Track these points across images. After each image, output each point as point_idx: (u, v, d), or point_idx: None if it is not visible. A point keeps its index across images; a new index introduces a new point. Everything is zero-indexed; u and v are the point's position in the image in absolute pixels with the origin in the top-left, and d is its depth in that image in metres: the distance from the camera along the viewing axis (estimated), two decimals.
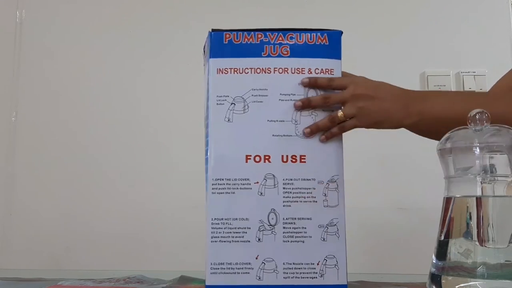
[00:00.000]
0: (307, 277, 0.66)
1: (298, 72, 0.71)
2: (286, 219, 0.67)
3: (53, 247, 1.56)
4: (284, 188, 0.68)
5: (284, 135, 0.69)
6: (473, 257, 0.54)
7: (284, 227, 0.67)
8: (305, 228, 0.67)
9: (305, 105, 0.69)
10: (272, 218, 0.67)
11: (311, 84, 0.70)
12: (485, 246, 0.54)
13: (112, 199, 1.58)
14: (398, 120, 0.73)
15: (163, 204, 1.56)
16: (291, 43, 0.71)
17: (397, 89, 0.73)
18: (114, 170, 1.60)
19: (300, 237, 0.67)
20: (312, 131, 0.69)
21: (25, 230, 1.58)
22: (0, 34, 1.69)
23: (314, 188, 0.68)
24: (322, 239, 0.67)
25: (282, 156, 0.69)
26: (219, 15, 1.64)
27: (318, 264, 0.67)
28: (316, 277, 0.66)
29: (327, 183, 0.69)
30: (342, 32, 0.73)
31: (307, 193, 0.68)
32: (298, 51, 0.71)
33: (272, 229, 0.67)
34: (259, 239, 0.67)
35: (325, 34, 0.72)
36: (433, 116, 0.72)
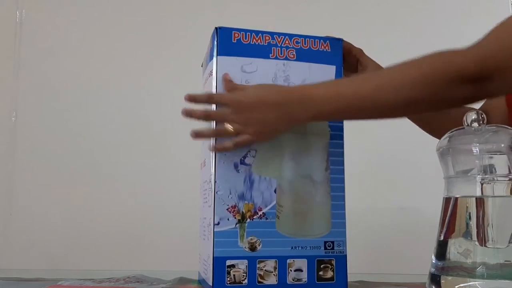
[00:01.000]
0: None
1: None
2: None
3: (53, 247, 1.56)
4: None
5: None
6: (473, 257, 0.54)
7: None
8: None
9: (187, 115, 0.68)
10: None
11: (191, 100, 0.69)
12: (484, 246, 0.54)
13: (112, 199, 1.58)
14: (284, 127, 0.70)
15: (163, 204, 1.56)
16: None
17: (280, 96, 0.68)
18: (114, 170, 1.60)
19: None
20: (196, 136, 0.69)
21: (25, 230, 1.58)
22: (0, 34, 1.69)
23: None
24: None
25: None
26: (219, 15, 1.64)
27: None
28: None
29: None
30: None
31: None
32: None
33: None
34: None
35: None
36: (324, 116, 0.70)
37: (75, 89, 1.64)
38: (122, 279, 0.79)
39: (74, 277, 0.81)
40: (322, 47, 0.74)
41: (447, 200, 0.58)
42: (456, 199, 0.57)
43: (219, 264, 0.66)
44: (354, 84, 0.70)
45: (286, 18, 1.61)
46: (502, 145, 0.55)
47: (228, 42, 0.71)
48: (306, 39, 0.74)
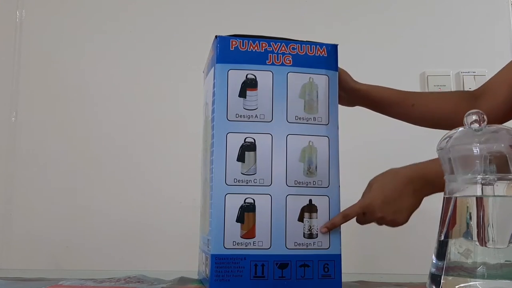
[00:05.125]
0: None
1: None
2: None
3: (53, 247, 1.56)
4: None
5: None
6: (473, 257, 0.54)
7: None
8: None
9: (331, 228, 0.72)
10: None
11: (331, 227, 0.72)
12: (485, 246, 0.54)
13: (113, 199, 1.58)
14: (419, 203, 0.81)
15: (164, 204, 1.56)
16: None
17: (401, 186, 0.79)
18: (114, 170, 1.60)
19: None
20: (328, 229, 0.71)
21: (25, 230, 1.58)
22: (0, 34, 1.69)
23: None
24: None
25: None
26: (220, 16, 1.65)
27: None
28: None
29: None
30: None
31: None
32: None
33: None
34: None
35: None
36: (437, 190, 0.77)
37: (75, 89, 1.65)
38: (123, 279, 0.79)
39: (75, 277, 0.81)
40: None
41: (447, 200, 0.59)
42: (456, 199, 0.57)
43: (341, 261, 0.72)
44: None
45: (289, 23, 1.61)
46: (503, 145, 0.55)
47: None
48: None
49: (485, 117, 0.57)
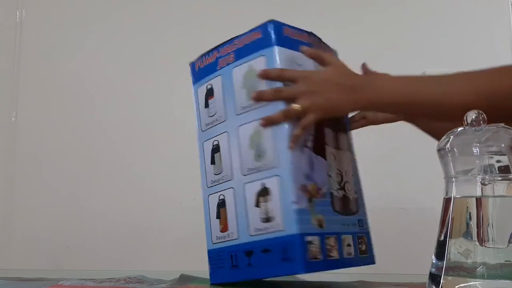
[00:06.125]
0: None
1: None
2: None
3: (53, 247, 1.56)
4: None
5: None
6: (473, 257, 0.54)
7: None
8: None
9: (258, 99, 0.71)
10: None
11: (264, 76, 0.71)
12: (485, 246, 0.54)
13: (112, 199, 1.58)
14: (347, 109, 0.76)
15: (164, 204, 1.56)
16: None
17: (346, 79, 0.74)
18: (114, 170, 1.60)
19: None
20: (266, 123, 0.70)
21: (25, 230, 1.58)
22: (0, 34, 1.69)
23: None
24: None
25: None
26: (220, 16, 1.65)
27: None
28: None
29: None
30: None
31: None
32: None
33: None
34: None
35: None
36: (383, 102, 0.74)
37: (75, 89, 1.65)
38: (123, 279, 0.79)
39: (75, 277, 0.81)
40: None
41: (447, 200, 0.59)
42: (456, 199, 0.58)
43: (301, 240, 0.66)
44: (421, 83, 0.75)
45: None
46: (502, 145, 0.55)
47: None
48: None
49: (485, 117, 0.57)
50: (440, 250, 0.58)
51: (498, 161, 0.55)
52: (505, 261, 0.53)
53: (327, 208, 0.71)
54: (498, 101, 0.69)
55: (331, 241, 0.69)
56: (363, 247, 0.75)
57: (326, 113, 0.72)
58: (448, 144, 0.59)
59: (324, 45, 0.80)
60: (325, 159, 0.73)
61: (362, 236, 0.76)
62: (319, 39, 0.79)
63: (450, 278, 0.55)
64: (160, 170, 1.58)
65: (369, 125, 0.89)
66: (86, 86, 1.65)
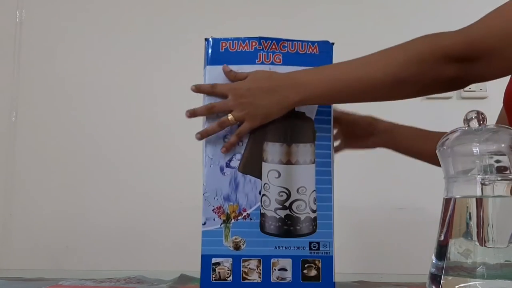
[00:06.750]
0: None
1: None
2: None
3: (53, 247, 1.56)
4: None
5: None
6: (473, 257, 0.54)
7: None
8: None
9: (191, 115, 0.72)
10: None
11: (196, 90, 0.73)
12: (485, 246, 0.54)
13: (113, 199, 1.58)
14: (276, 111, 0.72)
15: (163, 204, 1.56)
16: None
17: (266, 81, 0.72)
18: (114, 170, 1.60)
19: None
20: (202, 136, 0.72)
21: (25, 230, 1.58)
22: (0, 34, 1.69)
23: None
24: None
25: None
26: (219, 16, 1.65)
27: None
28: None
29: None
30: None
31: None
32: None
33: None
34: None
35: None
36: (311, 96, 0.71)
37: (75, 89, 1.65)
38: (123, 280, 0.79)
39: (75, 277, 0.81)
40: (310, 50, 0.74)
41: (447, 201, 0.59)
42: (456, 199, 0.58)
43: (206, 262, 0.69)
44: (342, 66, 0.72)
45: (289, 24, 1.61)
46: (503, 145, 0.55)
47: (216, 52, 0.74)
48: (294, 43, 0.74)
49: (485, 116, 0.57)
50: (440, 250, 0.58)
51: (498, 161, 0.55)
52: (505, 261, 0.53)
53: (252, 230, 0.70)
54: (403, 76, 0.68)
55: (251, 263, 0.69)
56: (312, 273, 0.69)
57: (261, 120, 0.71)
58: (448, 143, 0.59)
59: (290, 43, 0.76)
60: (260, 178, 0.71)
61: (313, 261, 0.70)
62: (278, 39, 0.75)
63: (450, 278, 0.55)
64: (160, 170, 1.58)
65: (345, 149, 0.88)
66: (86, 86, 1.65)
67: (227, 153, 0.71)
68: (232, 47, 0.74)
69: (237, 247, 0.69)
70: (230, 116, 0.70)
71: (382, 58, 0.70)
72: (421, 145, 0.89)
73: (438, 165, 0.59)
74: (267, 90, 0.71)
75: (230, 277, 0.69)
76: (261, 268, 0.69)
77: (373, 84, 0.68)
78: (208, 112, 0.72)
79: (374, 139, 0.88)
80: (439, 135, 0.87)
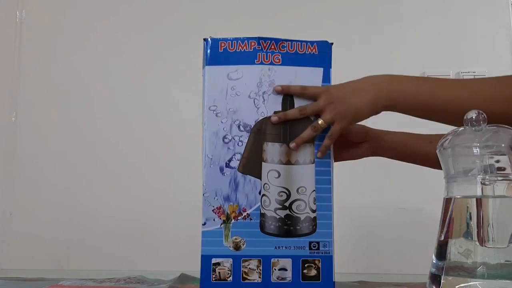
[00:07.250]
0: None
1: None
2: None
3: (54, 247, 1.56)
4: None
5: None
6: (473, 257, 0.54)
7: None
8: None
9: (281, 119, 0.72)
10: None
11: (284, 91, 0.73)
12: (485, 246, 0.54)
13: (112, 199, 1.58)
14: (367, 110, 0.74)
15: (164, 204, 1.56)
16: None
17: (364, 83, 0.75)
18: (114, 170, 1.60)
19: None
20: (297, 144, 0.71)
21: (25, 230, 1.58)
22: (0, 34, 1.69)
23: None
24: None
25: None
26: (219, 15, 1.65)
27: None
28: None
29: None
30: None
31: None
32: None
33: None
34: None
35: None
36: (401, 102, 0.74)
37: (75, 89, 1.65)
38: (123, 280, 0.79)
39: (75, 277, 0.81)
40: (309, 50, 0.75)
41: (447, 201, 0.59)
42: (457, 199, 0.58)
43: (206, 262, 0.69)
44: (438, 84, 0.75)
45: (288, 23, 1.61)
46: (503, 145, 0.55)
47: (215, 52, 0.74)
48: (293, 43, 0.74)
49: (485, 116, 0.57)
50: (440, 250, 0.58)
51: (497, 161, 0.55)
52: (505, 261, 0.53)
53: (252, 230, 0.70)
54: (499, 109, 0.69)
55: (251, 264, 0.69)
56: (312, 273, 0.70)
57: (350, 120, 0.73)
58: (448, 143, 0.59)
59: (289, 43, 0.76)
60: (259, 178, 0.71)
61: (313, 261, 0.70)
62: (277, 39, 0.75)
63: (450, 278, 0.55)
64: (160, 169, 1.58)
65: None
66: (86, 86, 1.65)
67: (321, 157, 0.71)
68: (231, 47, 0.74)
69: (237, 247, 0.69)
70: (320, 121, 0.71)
71: (482, 89, 0.73)
72: (414, 148, 0.90)
73: (433, 167, 0.59)
74: (359, 89, 0.73)
75: (230, 277, 0.69)
76: (261, 268, 0.69)
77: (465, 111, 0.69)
78: (300, 115, 0.72)
79: (368, 145, 0.88)
80: (432, 137, 0.87)
